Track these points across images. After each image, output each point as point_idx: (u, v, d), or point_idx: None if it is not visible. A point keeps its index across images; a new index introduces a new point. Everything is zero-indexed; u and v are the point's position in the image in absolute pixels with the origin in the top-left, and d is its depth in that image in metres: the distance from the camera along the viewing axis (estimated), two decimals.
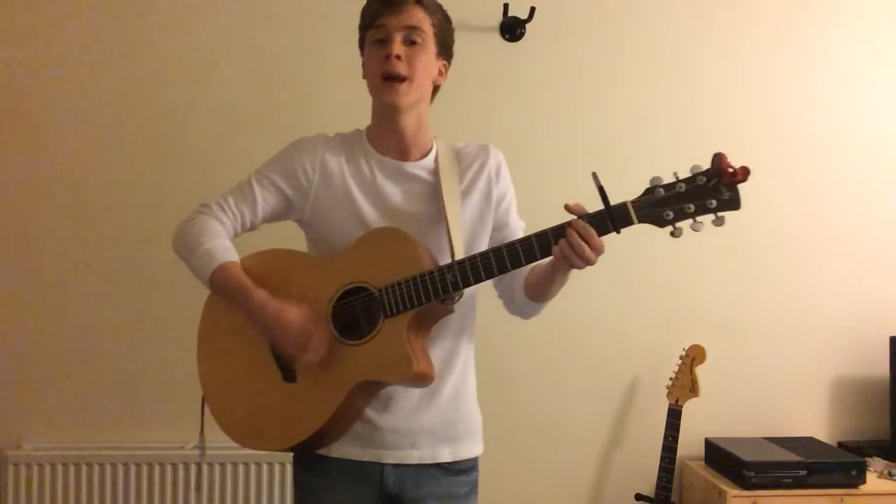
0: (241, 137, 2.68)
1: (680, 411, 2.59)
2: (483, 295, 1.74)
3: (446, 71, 1.71)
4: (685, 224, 1.41)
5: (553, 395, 2.78)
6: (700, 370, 2.61)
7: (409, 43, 1.61)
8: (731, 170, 1.36)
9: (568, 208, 1.48)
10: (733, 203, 1.39)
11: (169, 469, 2.58)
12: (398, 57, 1.59)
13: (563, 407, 2.78)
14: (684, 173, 1.41)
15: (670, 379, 2.64)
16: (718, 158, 1.37)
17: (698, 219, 1.40)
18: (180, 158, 2.68)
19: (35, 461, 2.55)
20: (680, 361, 2.64)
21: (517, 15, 2.72)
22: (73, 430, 2.65)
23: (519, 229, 1.74)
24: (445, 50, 1.69)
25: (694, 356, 2.62)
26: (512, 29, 2.74)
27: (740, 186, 1.38)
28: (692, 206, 1.40)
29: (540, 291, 1.64)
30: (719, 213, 1.39)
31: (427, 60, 1.63)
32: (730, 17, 2.83)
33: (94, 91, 2.67)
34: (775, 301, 2.84)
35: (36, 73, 2.66)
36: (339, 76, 2.69)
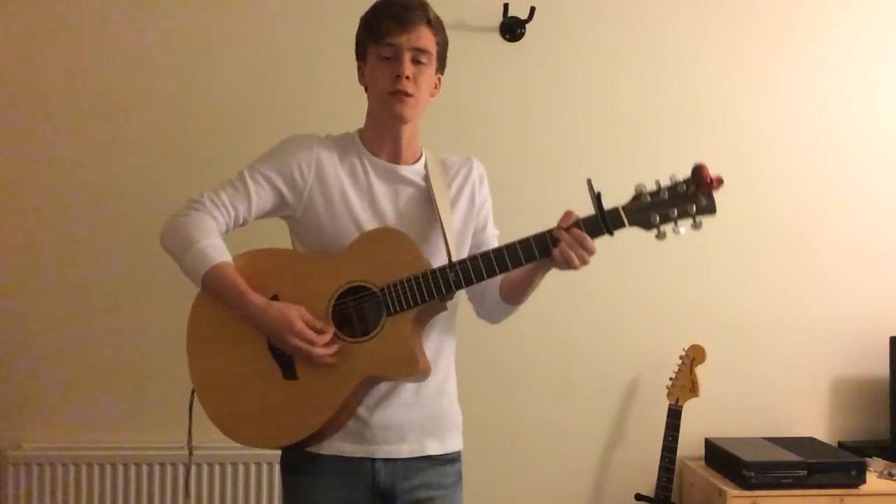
0: (243, 137, 2.66)
1: (680, 411, 2.59)
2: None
3: (440, 84, 1.78)
4: (667, 227, 1.54)
5: (553, 396, 2.78)
6: (700, 370, 2.61)
7: (416, 63, 1.66)
8: (708, 179, 1.50)
9: (560, 224, 1.57)
10: (710, 209, 1.53)
11: (169, 469, 2.58)
12: (408, 77, 1.64)
13: (563, 407, 2.78)
14: (665, 180, 1.54)
15: (670, 379, 2.64)
16: (699, 169, 1.50)
17: (679, 223, 1.53)
18: (181, 159, 2.67)
19: (35, 461, 2.55)
20: (680, 361, 2.64)
21: (517, 15, 2.71)
22: (73, 430, 2.65)
23: (493, 236, 1.83)
24: (442, 64, 1.76)
25: (694, 356, 2.62)
26: (512, 29, 2.74)
27: (717, 192, 1.51)
28: (675, 211, 1.52)
29: (517, 293, 1.73)
30: (697, 218, 1.53)
31: (430, 79, 1.71)
32: (730, 16, 2.83)
33: (95, 91, 2.67)
34: (775, 301, 2.84)
35: (36, 73, 2.66)
36: (340, 76, 2.71)
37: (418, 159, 1.76)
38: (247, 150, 2.77)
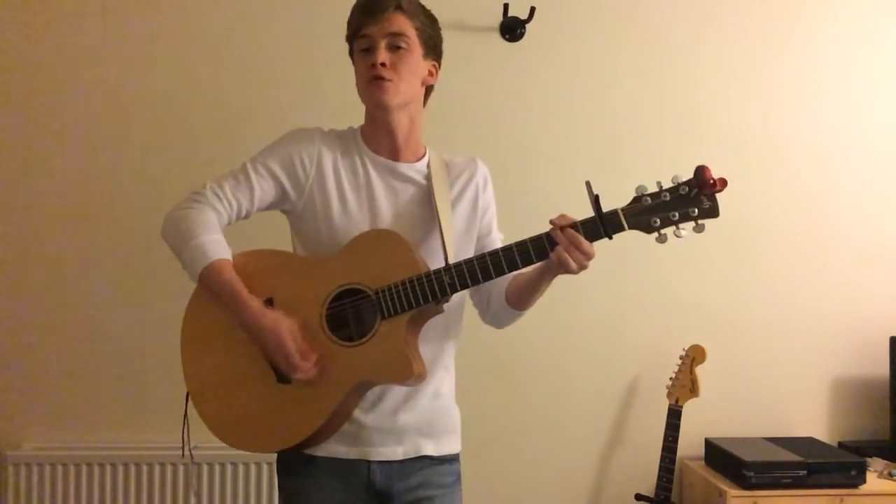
0: (242, 137, 2.66)
1: (680, 411, 2.59)
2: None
3: (437, 71, 1.74)
4: (669, 230, 1.51)
5: (553, 395, 2.78)
6: (700, 370, 2.61)
7: (394, 49, 1.64)
8: (712, 181, 1.46)
9: (552, 222, 1.54)
10: (713, 211, 1.49)
11: (169, 469, 2.58)
12: (383, 64, 1.62)
13: (563, 407, 2.78)
14: (666, 182, 1.50)
15: (670, 379, 2.64)
16: (702, 170, 1.46)
17: (681, 226, 1.50)
18: (181, 158, 2.67)
19: (35, 461, 2.55)
20: (680, 361, 2.64)
21: (517, 15, 2.72)
22: (73, 430, 2.65)
23: (498, 240, 1.80)
24: (432, 50, 1.71)
25: (694, 356, 2.62)
26: (512, 29, 2.74)
27: (719, 195, 1.48)
28: (676, 214, 1.49)
29: (523, 298, 1.70)
30: (700, 221, 1.49)
31: (413, 63, 1.66)
32: (730, 17, 2.83)
33: (95, 91, 2.67)
34: (775, 301, 2.84)
35: (37, 72, 2.66)
36: (338, 74, 2.71)
37: (420, 158, 1.74)
38: (246, 149, 2.77)
